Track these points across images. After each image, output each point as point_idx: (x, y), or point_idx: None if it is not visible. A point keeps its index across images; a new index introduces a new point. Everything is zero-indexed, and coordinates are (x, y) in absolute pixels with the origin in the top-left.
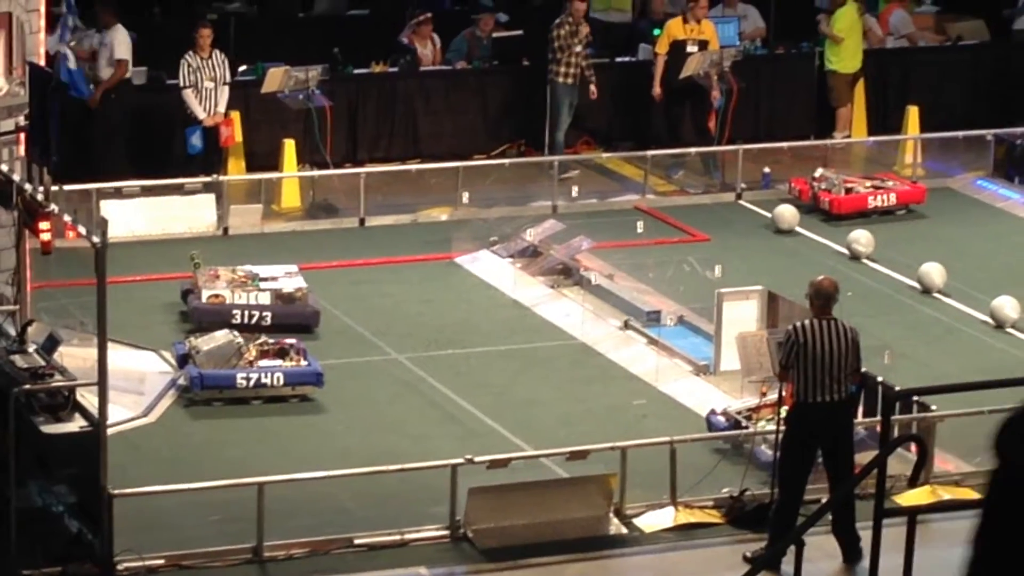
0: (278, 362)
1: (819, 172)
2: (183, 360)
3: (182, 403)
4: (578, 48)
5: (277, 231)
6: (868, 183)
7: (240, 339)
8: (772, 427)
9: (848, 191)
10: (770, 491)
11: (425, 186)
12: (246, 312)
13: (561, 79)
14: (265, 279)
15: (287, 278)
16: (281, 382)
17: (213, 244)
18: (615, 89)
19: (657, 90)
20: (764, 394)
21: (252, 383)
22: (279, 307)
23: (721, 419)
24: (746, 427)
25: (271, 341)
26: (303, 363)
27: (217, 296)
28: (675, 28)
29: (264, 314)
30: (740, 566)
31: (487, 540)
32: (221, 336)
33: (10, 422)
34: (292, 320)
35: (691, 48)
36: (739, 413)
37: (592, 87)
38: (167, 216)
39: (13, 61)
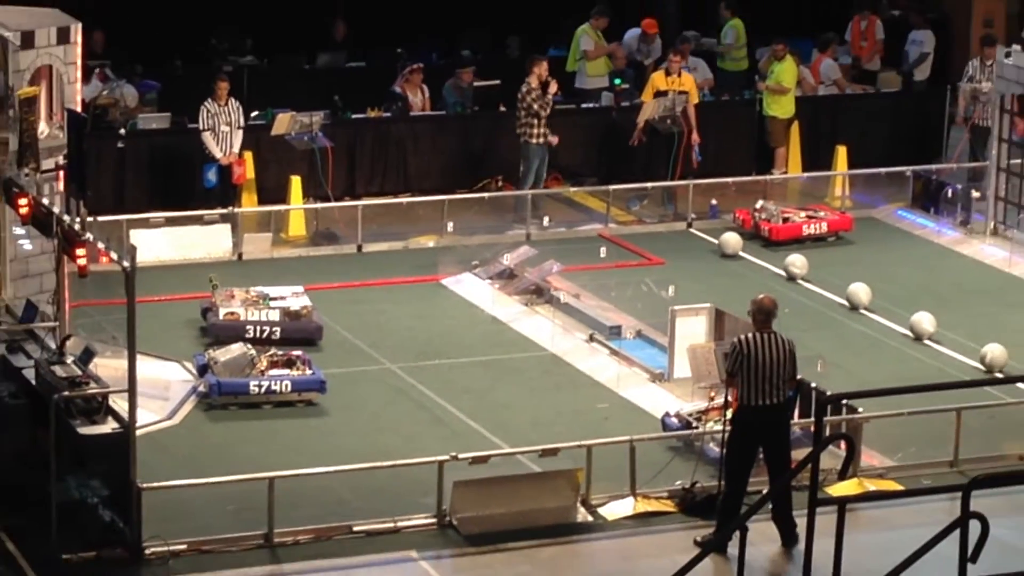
0: (286, 371)
1: (760, 204)
2: (203, 370)
3: (202, 408)
4: (545, 112)
5: (285, 256)
6: (802, 213)
7: (253, 351)
8: (719, 427)
9: (785, 220)
10: (718, 483)
11: (415, 217)
12: (258, 327)
13: (534, 140)
14: (275, 298)
15: (294, 298)
16: (289, 389)
17: (229, 268)
18: (582, 131)
19: (639, 127)
20: (712, 398)
21: (263, 390)
22: (287, 323)
23: (674, 420)
24: (696, 427)
25: (280, 353)
26: (308, 372)
27: (232, 313)
28: (658, 80)
29: (274, 329)
30: (691, 549)
31: (470, 527)
32: (236, 349)
33: (51, 424)
34: (298, 334)
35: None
36: (690, 415)
37: (553, 140)
38: (188, 243)
39: (53, 108)
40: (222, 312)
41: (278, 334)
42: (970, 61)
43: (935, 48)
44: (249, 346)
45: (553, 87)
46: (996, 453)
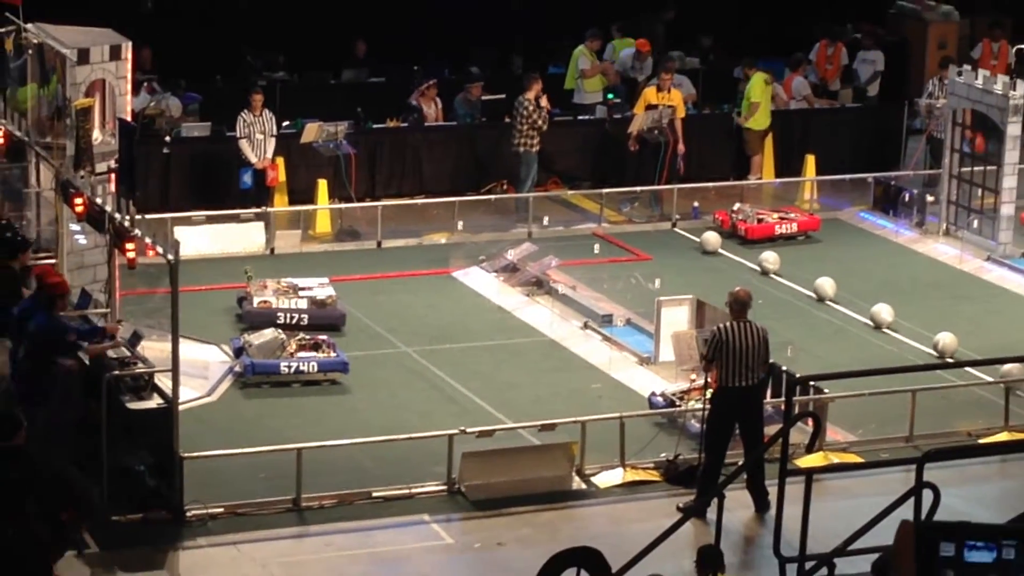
0: (313, 354)
1: (737, 206)
2: (239, 352)
3: (237, 386)
4: (546, 126)
5: (313, 251)
6: (775, 215)
7: (283, 335)
8: (700, 406)
9: (759, 221)
10: (698, 456)
11: (429, 216)
12: (288, 314)
13: (534, 149)
14: (303, 289)
15: (320, 288)
16: (315, 369)
17: (262, 261)
18: (579, 140)
19: (633, 135)
20: (693, 380)
21: (293, 370)
22: (314, 311)
23: (660, 399)
24: (679, 406)
25: (308, 337)
26: (333, 355)
27: (265, 302)
28: (650, 95)
29: (302, 316)
30: (675, 514)
31: (477, 493)
32: (268, 333)
33: (103, 400)
34: (324, 321)
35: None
36: (674, 395)
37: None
38: (226, 239)
39: (106, 117)
40: (256, 300)
41: (306, 320)
42: (931, 79)
43: (888, 66)
44: (280, 331)
45: (544, 101)
46: (947, 430)
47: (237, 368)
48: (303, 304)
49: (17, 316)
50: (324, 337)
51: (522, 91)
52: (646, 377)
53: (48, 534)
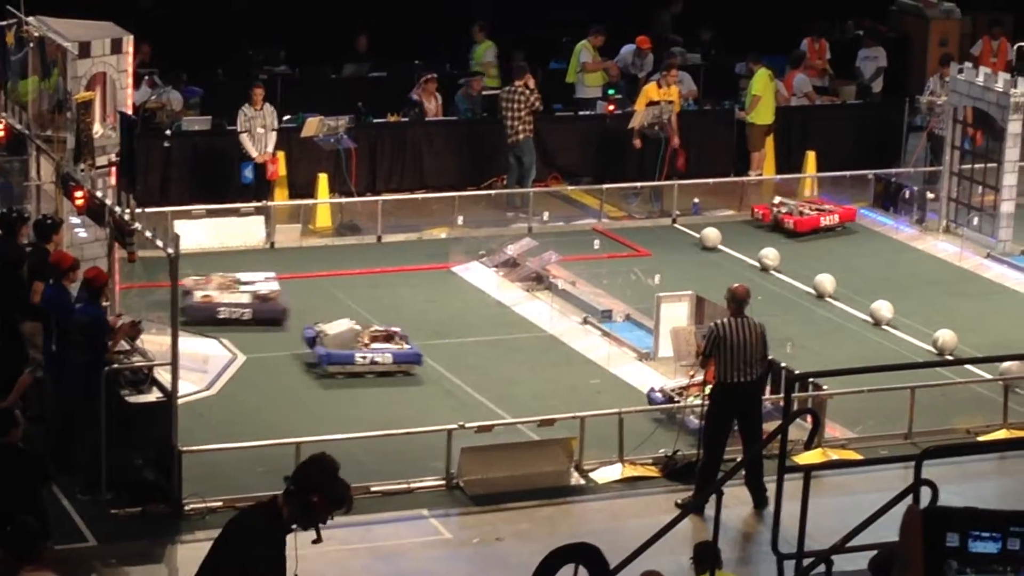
0: (387, 345)
1: (778, 200)
2: (311, 342)
3: (236, 380)
4: (539, 104)
5: (313, 245)
6: (812, 207)
7: (357, 326)
8: (698, 401)
9: (801, 214)
10: (697, 452)
11: (428, 211)
12: (230, 309)
13: (532, 136)
14: (245, 283)
15: (264, 282)
16: (391, 360)
17: (262, 255)
18: (579, 136)
19: (635, 131)
20: (692, 376)
21: (368, 360)
22: (257, 305)
23: (659, 395)
24: (678, 402)
25: (380, 328)
26: (406, 346)
27: (207, 296)
28: (651, 91)
29: (244, 311)
30: (673, 510)
31: (475, 488)
32: (343, 324)
33: (102, 393)
34: (266, 316)
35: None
36: (673, 390)
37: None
38: (226, 233)
39: (107, 110)
40: (198, 295)
41: (248, 315)
42: (931, 77)
43: (889, 63)
44: (354, 322)
45: (532, 84)
46: (946, 427)
47: (313, 359)
48: (245, 299)
49: (44, 306)
50: (396, 329)
51: (510, 83)
52: (645, 373)
53: None
